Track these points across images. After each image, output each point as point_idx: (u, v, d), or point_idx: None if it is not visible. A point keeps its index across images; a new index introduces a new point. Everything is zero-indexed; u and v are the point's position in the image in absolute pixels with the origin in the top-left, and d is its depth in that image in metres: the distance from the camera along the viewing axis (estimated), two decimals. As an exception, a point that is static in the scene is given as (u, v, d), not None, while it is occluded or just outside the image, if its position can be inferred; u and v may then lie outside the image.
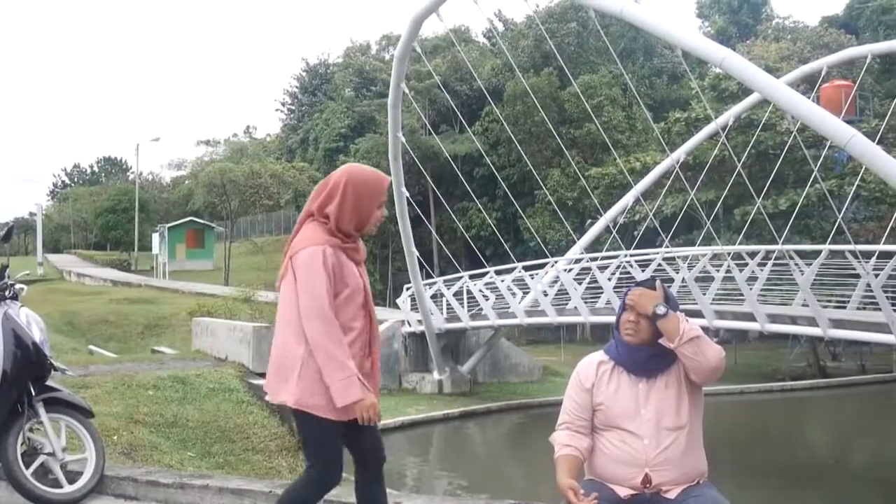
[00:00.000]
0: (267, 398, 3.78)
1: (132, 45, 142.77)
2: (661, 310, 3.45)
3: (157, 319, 27.90)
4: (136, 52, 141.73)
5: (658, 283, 3.64)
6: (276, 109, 64.57)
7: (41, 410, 5.70)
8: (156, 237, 48.60)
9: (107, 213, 57.03)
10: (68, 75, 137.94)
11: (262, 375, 11.64)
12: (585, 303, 19.42)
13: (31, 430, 5.72)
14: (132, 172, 72.46)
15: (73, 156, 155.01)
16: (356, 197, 3.65)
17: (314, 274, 3.52)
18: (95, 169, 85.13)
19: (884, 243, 18.61)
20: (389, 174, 23.49)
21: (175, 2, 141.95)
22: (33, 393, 5.67)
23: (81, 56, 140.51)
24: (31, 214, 66.09)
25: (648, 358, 3.54)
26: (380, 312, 25.00)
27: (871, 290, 13.38)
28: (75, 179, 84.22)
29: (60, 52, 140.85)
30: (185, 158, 64.82)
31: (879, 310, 13.23)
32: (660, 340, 3.50)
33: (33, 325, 5.69)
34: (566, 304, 20.25)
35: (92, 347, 22.98)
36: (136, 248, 53.25)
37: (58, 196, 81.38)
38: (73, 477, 5.76)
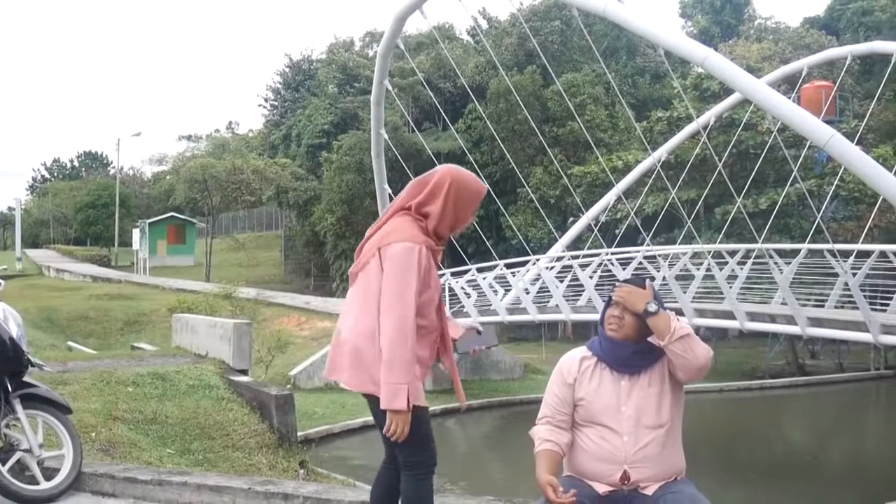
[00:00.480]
0: (334, 379, 3.72)
1: (114, 38, 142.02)
2: (653, 307, 3.48)
3: (137, 316, 27.76)
4: (118, 45, 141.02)
5: (648, 281, 3.67)
6: (259, 105, 64.63)
7: (18, 407, 5.66)
8: (136, 233, 48.37)
9: (87, 209, 56.74)
10: (49, 68, 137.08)
11: (243, 372, 11.71)
12: (567, 301, 19.47)
13: (7, 426, 5.68)
14: (113, 167, 72.30)
15: (52, 150, 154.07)
16: (458, 200, 3.66)
17: (407, 271, 3.50)
18: (76, 163, 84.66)
19: (862, 243, 18.76)
20: (372, 171, 23.71)
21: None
22: (10, 389, 5.63)
23: (62, 49, 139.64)
24: (10, 209, 65.70)
25: (632, 354, 3.56)
26: (361, 309, 24.88)
27: (849, 289, 13.49)
28: (55, 174, 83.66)
29: (41, 46, 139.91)
30: (166, 153, 64.59)
31: (857, 308, 13.34)
32: (649, 338, 3.52)
33: (10, 321, 5.65)
34: (548, 301, 20.30)
35: (71, 343, 22.83)
36: (116, 244, 53.01)
37: (37, 191, 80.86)
38: (50, 474, 5.73)
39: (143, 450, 8.47)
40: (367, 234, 3.82)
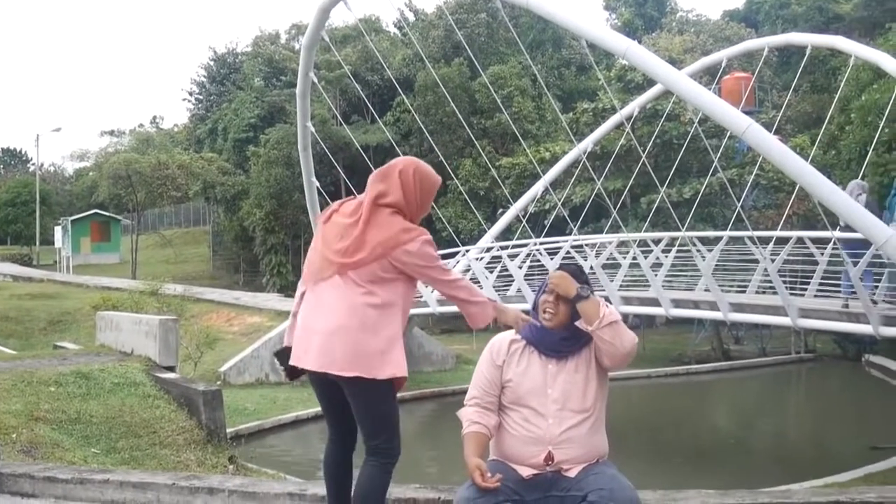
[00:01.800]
0: (313, 368, 3.76)
1: (31, 29, 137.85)
2: (585, 292, 3.54)
3: (60, 315, 27.12)
4: (35, 37, 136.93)
5: (579, 267, 3.75)
6: (184, 99, 63.51)
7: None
8: (58, 230, 47.16)
9: (6, 207, 55.16)
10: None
11: (170, 369, 11.55)
12: (497, 291, 19.59)
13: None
14: (33, 164, 70.24)
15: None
16: (422, 187, 3.91)
17: (436, 257, 3.85)
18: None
19: (781, 230, 19.30)
20: (299, 164, 23.46)
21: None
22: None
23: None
24: (-76, 208, 63.38)
25: (560, 340, 3.62)
26: (292, 304, 24.74)
27: (769, 275, 13.86)
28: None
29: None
30: (88, 149, 63.10)
31: (777, 294, 13.71)
32: (576, 323, 3.58)
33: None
34: (478, 292, 20.37)
35: (-10, 345, 22.21)
36: (37, 243, 51.61)
37: (-48, 189, 78.22)
38: (-35, 475, 5.59)
39: (67, 450, 8.31)
40: (332, 221, 3.89)
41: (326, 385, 3.79)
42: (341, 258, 3.75)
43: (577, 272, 3.71)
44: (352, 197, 3.97)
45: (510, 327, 3.80)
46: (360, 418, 3.76)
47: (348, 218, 3.84)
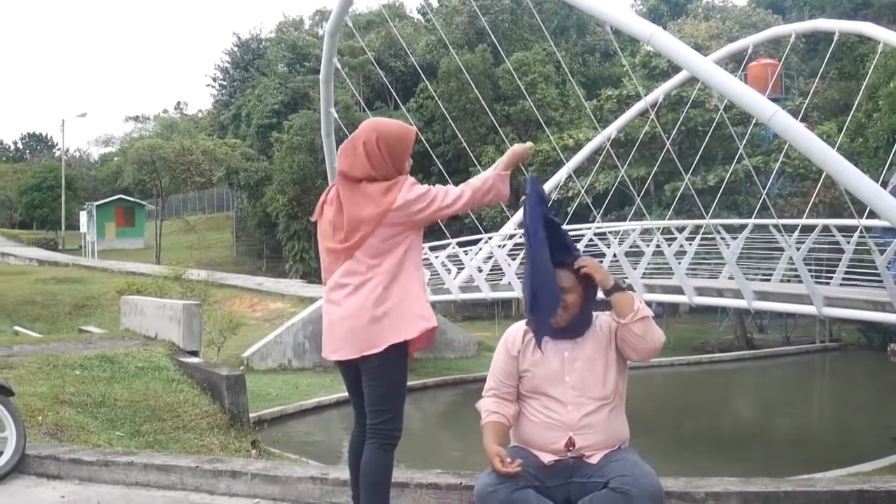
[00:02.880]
0: (341, 357, 3.76)
1: (57, 17, 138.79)
2: (623, 283, 3.53)
3: (85, 299, 27.37)
4: (62, 24, 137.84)
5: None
6: (208, 85, 63.66)
7: (-42, 390, 5.58)
8: (83, 215, 47.54)
9: (32, 191, 55.64)
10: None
11: (194, 353, 11.63)
12: (519, 278, 19.56)
13: (-52, 410, 5.60)
14: (58, 149, 70.75)
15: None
16: (389, 150, 3.74)
17: (427, 193, 3.71)
18: (20, 145, 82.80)
19: (806, 218, 19.12)
20: (322, 150, 23.50)
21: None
22: (-50, 372, 5.55)
23: (3, 29, 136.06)
24: (-48, 193, 64.14)
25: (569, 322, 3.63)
26: (316, 290, 25.02)
27: (794, 264, 13.74)
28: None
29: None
30: (113, 135, 63.42)
31: (801, 282, 13.60)
32: (611, 315, 3.58)
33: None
34: (500, 279, 20.40)
35: (17, 328, 22.46)
36: (63, 227, 52.06)
37: (-21, 174, 78.98)
38: (-8, 456, 5.66)
39: (92, 433, 8.38)
40: (322, 209, 3.92)
41: (349, 369, 3.82)
42: (342, 244, 3.76)
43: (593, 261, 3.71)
44: (333, 184, 3.94)
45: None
46: (366, 398, 3.77)
47: (333, 205, 3.85)
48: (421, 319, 3.69)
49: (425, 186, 3.76)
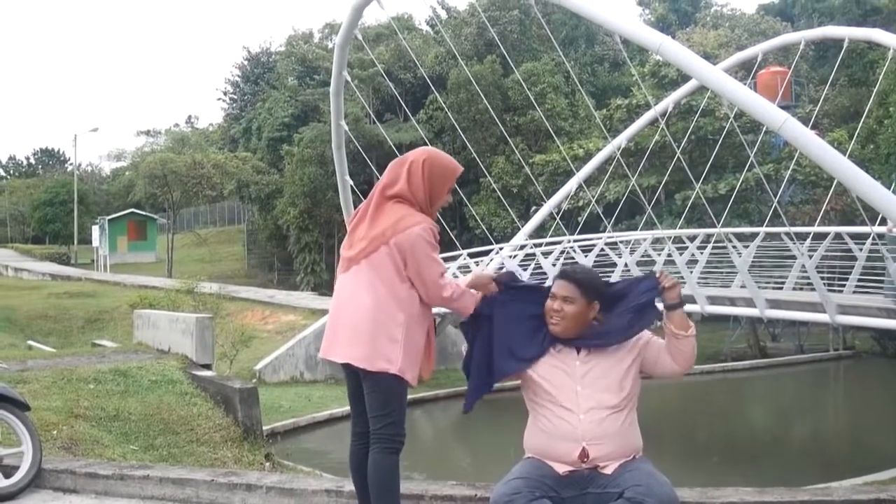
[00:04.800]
0: (338, 360, 3.85)
1: (69, 32, 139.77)
2: (682, 299, 3.58)
3: (98, 313, 27.44)
4: (73, 39, 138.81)
5: (587, 271, 3.78)
6: (218, 99, 63.84)
7: (-25, 405, 5.61)
8: (96, 230, 47.74)
9: (45, 206, 55.88)
10: (1, 65, 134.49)
11: (207, 367, 11.66)
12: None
13: (-35, 425, 5.63)
14: (70, 164, 71.20)
15: (8, 147, 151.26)
16: (431, 176, 3.85)
17: (432, 248, 3.77)
18: (32, 161, 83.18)
19: (818, 225, 19.07)
20: (333, 163, 23.55)
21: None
22: (-34, 388, 5.58)
23: (15, 44, 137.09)
24: (-35, 209, 64.51)
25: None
26: (327, 303, 24.98)
27: (807, 271, 13.70)
28: (11, 172, 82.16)
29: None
30: (124, 149, 63.59)
31: (814, 290, 13.55)
32: (671, 329, 3.59)
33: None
34: (511, 290, 20.34)
35: (31, 342, 22.52)
36: (75, 242, 52.29)
37: (-7, 189, 79.39)
38: (9, 471, 5.69)
39: (106, 446, 8.40)
40: (354, 219, 3.96)
41: (351, 375, 3.90)
42: (350, 252, 3.86)
43: (588, 276, 3.73)
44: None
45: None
46: (367, 405, 3.85)
47: (360, 211, 3.97)
48: (387, 363, 3.74)
49: (434, 242, 3.81)
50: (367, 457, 3.89)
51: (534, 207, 31.98)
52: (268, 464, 9.81)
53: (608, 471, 3.49)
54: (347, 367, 3.85)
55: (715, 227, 17.27)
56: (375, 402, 3.80)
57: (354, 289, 3.82)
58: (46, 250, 53.52)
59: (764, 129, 18.10)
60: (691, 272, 16.02)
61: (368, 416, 3.84)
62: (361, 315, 3.76)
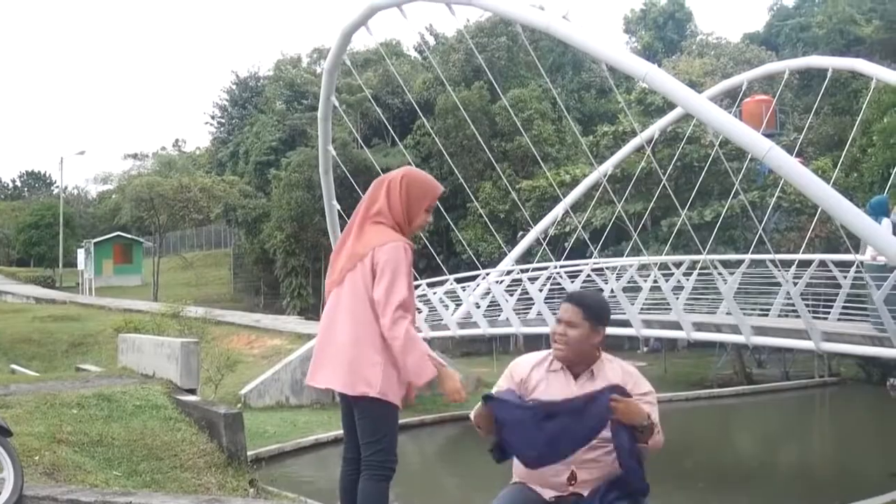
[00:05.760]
0: (321, 385, 3.86)
1: (56, 55, 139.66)
2: (646, 422, 3.50)
3: (82, 337, 27.27)
4: (59, 61, 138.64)
5: (595, 297, 3.78)
6: (206, 122, 63.88)
7: (-44, 431, 5.56)
8: (81, 253, 47.56)
9: (29, 229, 55.60)
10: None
11: (191, 391, 11.59)
12: (517, 314, 19.59)
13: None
14: (56, 187, 70.95)
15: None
16: (408, 193, 3.86)
17: (402, 268, 3.73)
18: (18, 183, 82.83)
19: (803, 252, 19.19)
20: (320, 187, 23.59)
21: (100, 12, 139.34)
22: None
23: (2, 67, 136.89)
24: (-51, 231, 64.08)
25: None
26: (313, 327, 24.97)
27: (792, 299, 13.77)
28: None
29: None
30: (111, 172, 63.29)
31: (799, 317, 13.61)
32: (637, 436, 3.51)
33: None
34: (498, 315, 20.40)
35: (14, 367, 22.36)
36: (60, 265, 52.03)
37: (-23, 212, 78.95)
38: (-10, 498, 5.63)
39: (89, 472, 8.33)
40: (337, 246, 4.00)
41: (345, 401, 3.93)
42: (332, 275, 3.91)
43: (596, 301, 3.74)
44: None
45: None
46: (359, 431, 3.86)
47: (343, 235, 4.01)
48: (367, 386, 3.75)
49: (404, 261, 3.75)
50: (356, 482, 3.90)
51: (521, 233, 32.04)
52: (252, 490, 9.73)
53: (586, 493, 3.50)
54: (340, 393, 3.87)
55: (701, 253, 17.36)
56: (366, 428, 3.82)
57: (335, 313, 3.85)
58: (31, 273, 53.20)
59: (749, 156, 18.26)
60: (677, 298, 16.06)
61: (360, 442, 3.85)
62: (342, 339, 3.78)
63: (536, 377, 3.70)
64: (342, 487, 4.02)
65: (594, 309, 3.67)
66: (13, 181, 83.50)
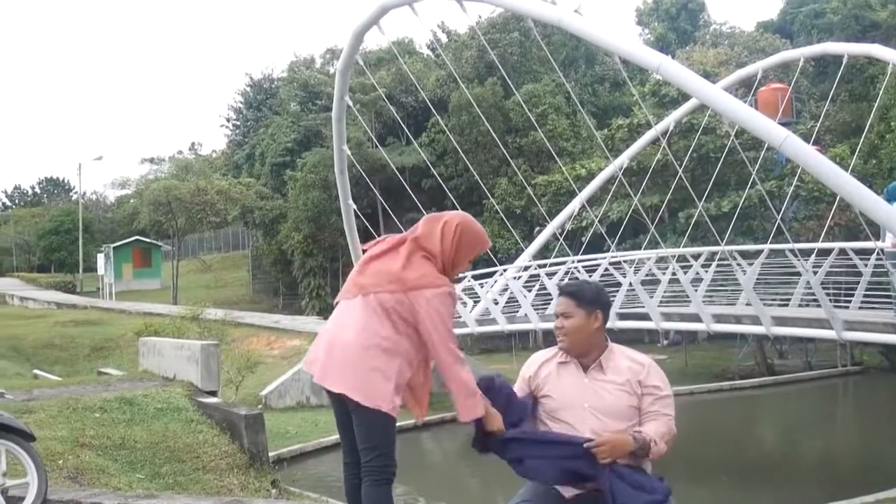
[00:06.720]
0: (332, 388, 3.85)
1: (71, 62, 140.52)
2: (637, 445, 3.52)
3: (103, 341, 27.47)
4: (76, 69, 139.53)
5: (580, 286, 3.78)
6: (221, 125, 63.97)
7: (-20, 436, 5.60)
8: (101, 258, 47.86)
9: (50, 235, 56.08)
10: (5, 95, 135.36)
11: (212, 393, 11.63)
12: (535, 310, 19.54)
13: (-30, 456, 5.62)
14: (75, 192, 71.37)
15: (13, 177, 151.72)
16: (460, 240, 3.91)
17: (449, 316, 3.80)
18: (37, 190, 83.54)
19: (822, 241, 19.05)
20: (336, 187, 23.61)
21: (116, 18, 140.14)
22: (-29, 419, 5.57)
23: (18, 74, 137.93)
24: (-29, 239, 64.71)
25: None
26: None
27: (812, 288, 13.67)
28: (16, 201, 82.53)
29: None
30: (129, 177, 64.09)
31: (820, 306, 13.52)
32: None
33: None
34: (517, 311, 20.36)
35: (37, 371, 22.54)
36: (80, 270, 52.39)
37: (-2, 219, 79.65)
38: (14, 502, 5.67)
39: (112, 476, 8.37)
40: (377, 250, 3.99)
41: (338, 404, 3.91)
42: (364, 279, 3.89)
43: (586, 288, 3.73)
44: (392, 235, 4.07)
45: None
46: (357, 437, 3.87)
47: (385, 245, 3.98)
48: (382, 400, 3.76)
49: (452, 308, 3.85)
50: (359, 486, 3.91)
51: (537, 228, 31.97)
52: (274, 491, 9.75)
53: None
54: (334, 396, 3.85)
55: (719, 244, 17.26)
56: (366, 434, 3.82)
57: (355, 320, 3.83)
58: (52, 279, 53.61)
59: (766, 145, 18.13)
60: (696, 290, 15.98)
61: (358, 447, 3.86)
62: (356, 348, 3.77)
63: (545, 373, 3.73)
64: (347, 493, 4.05)
65: (585, 296, 3.69)
66: (33, 188, 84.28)
